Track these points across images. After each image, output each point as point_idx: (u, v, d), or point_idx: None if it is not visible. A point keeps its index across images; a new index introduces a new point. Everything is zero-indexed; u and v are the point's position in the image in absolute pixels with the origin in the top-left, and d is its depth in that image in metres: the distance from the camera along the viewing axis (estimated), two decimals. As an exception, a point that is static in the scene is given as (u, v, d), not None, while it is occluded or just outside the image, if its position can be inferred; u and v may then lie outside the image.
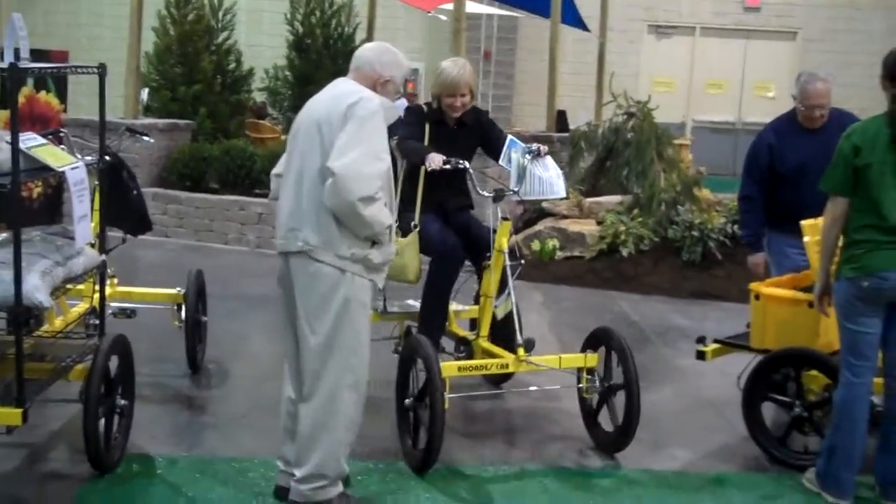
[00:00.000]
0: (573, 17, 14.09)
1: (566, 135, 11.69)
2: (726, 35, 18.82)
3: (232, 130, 12.36)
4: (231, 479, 4.44)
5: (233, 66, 12.95)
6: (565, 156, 10.96)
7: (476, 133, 5.55)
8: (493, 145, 5.55)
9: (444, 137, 5.40)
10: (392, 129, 4.21)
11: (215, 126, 12.08)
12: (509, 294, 5.10)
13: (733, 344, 5.37)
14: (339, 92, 4.03)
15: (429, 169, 5.10)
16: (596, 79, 14.34)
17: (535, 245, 9.47)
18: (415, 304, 5.71)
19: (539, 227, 9.76)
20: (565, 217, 9.88)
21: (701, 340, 5.50)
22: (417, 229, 5.30)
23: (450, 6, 10.60)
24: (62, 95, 11.24)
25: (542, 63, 14.12)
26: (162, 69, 12.35)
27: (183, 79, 12.19)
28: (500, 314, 5.18)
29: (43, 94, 10.92)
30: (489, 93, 18.02)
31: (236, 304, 7.59)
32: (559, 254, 9.40)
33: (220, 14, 12.82)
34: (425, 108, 5.58)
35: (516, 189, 5.27)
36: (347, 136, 3.84)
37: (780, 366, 4.94)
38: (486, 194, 5.17)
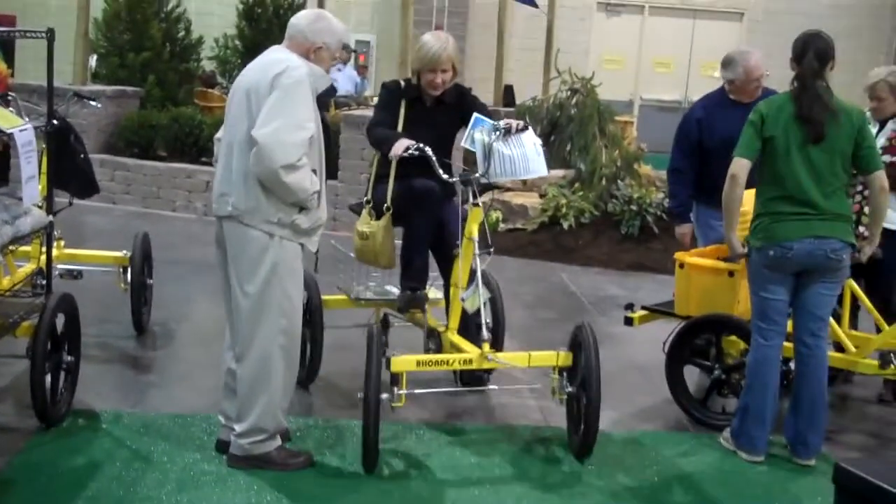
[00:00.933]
0: (522, -6, 14.27)
1: (512, 109, 11.90)
2: (674, 14, 19.08)
3: (181, 98, 12.40)
4: (173, 433, 4.61)
5: (182, 34, 12.99)
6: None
7: (456, 111, 5.14)
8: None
9: (421, 117, 5.12)
10: (324, 96, 4.36)
11: (164, 94, 12.12)
12: (478, 286, 4.74)
13: (659, 310, 5.63)
14: (268, 60, 4.17)
15: (390, 158, 4.89)
16: (544, 55, 14.55)
17: (479, 216, 9.68)
18: (393, 290, 5.49)
19: (483, 199, 9.94)
20: (509, 190, 10.10)
21: (629, 307, 5.75)
22: (390, 212, 5.04)
23: (398, -20, 10.74)
24: (9, 60, 11.22)
25: (494, 38, 14.29)
26: (110, 36, 12.36)
27: (131, 46, 12.21)
28: (469, 307, 4.84)
29: (-6, 61, 10.88)
30: (440, 66, 18.15)
31: (182, 270, 7.72)
32: (502, 226, 9.63)
33: (171, -19, 12.83)
34: (402, 83, 5.26)
35: (482, 172, 4.81)
36: (271, 106, 3.99)
37: (701, 331, 5.20)
38: (451, 179, 4.87)
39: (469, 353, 4.71)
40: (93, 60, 11.70)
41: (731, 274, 5.13)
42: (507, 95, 13.57)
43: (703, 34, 18.95)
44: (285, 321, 4.19)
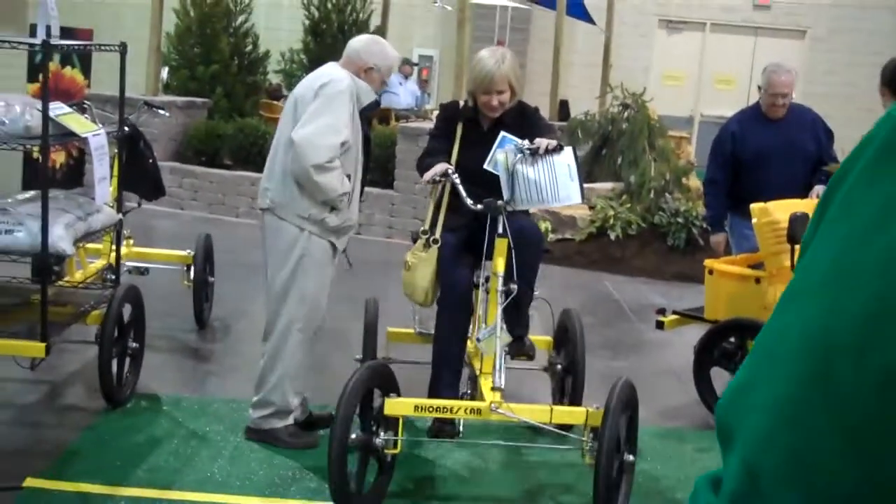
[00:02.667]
0: (579, 10, 14.56)
1: (564, 123, 12.18)
2: (736, 31, 19.19)
3: (247, 110, 12.89)
4: (227, 416, 4.99)
5: (250, 48, 13.48)
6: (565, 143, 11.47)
7: (517, 133, 4.58)
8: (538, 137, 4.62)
9: (477, 141, 4.69)
10: (367, 110, 4.64)
11: (231, 105, 12.61)
12: (496, 327, 4.31)
13: (689, 315, 5.88)
14: (318, 73, 4.61)
15: (423, 184, 4.81)
16: (602, 71, 14.81)
17: (529, 226, 9.98)
18: None
19: (533, 209, 10.26)
20: (558, 201, 10.38)
21: (661, 312, 6.01)
22: (437, 245, 4.63)
23: (457, -3, 11.09)
24: (86, 71, 11.80)
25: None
26: (181, 49, 12.89)
27: (201, 59, 12.73)
28: (485, 350, 4.36)
29: (68, 69, 11.47)
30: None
31: (242, 271, 8.12)
32: (551, 236, 9.90)
33: (239, -2, 13.35)
34: (461, 104, 4.95)
35: (506, 199, 4.36)
36: (311, 111, 4.40)
37: (728, 335, 5.44)
38: (476, 207, 4.41)
39: (479, 403, 4.20)
40: (164, 72, 12.24)
41: (757, 281, 5.37)
42: (563, 110, 13.85)
43: (764, 51, 18.99)
44: (305, 308, 4.58)
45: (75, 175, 10.98)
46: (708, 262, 5.70)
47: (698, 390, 5.53)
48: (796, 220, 5.40)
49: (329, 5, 13.75)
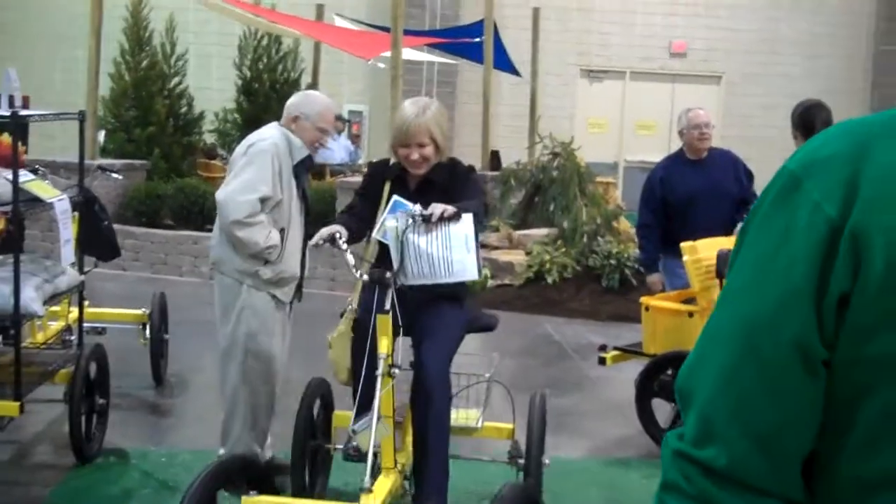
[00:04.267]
0: (504, 63, 15.02)
1: (497, 174, 12.57)
2: (654, 79, 19.85)
3: (184, 170, 13.07)
4: (195, 466, 5.11)
5: (185, 109, 13.68)
6: (497, 193, 11.84)
7: (447, 195, 4.18)
8: (453, 201, 4.14)
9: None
10: (301, 165, 4.78)
11: (169, 166, 12.79)
12: (372, 418, 3.84)
13: (629, 350, 6.21)
14: (251, 135, 4.88)
15: (310, 248, 4.53)
16: (529, 121, 15.28)
17: (469, 274, 10.29)
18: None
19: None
20: (496, 248, 10.73)
21: (602, 348, 6.34)
22: (351, 317, 4.32)
23: (388, 54, 11.45)
24: (24, 138, 11.87)
25: (481, 106, 15.03)
26: (117, 112, 13.05)
27: (137, 121, 12.89)
28: (362, 444, 3.97)
29: (5, 136, 11.54)
30: (430, 134, 18.86)
31: (193, 328, 8.28)
32: (490, 282, 10.23)
33: (173, 60, 13.55)
34: (390, 161, 4.49)
35: (394, 270, 3.95)
36: (235, 170, 4.69)
37: (666, 367, 5.78)
38: (359, 276, 4.12)
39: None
40: (101, 136, 12.39)
41: (690, 315, 5.73)
42: (494, 160, 14.27)
43: (683, 97, 19.62)
44: (251, 360, 4.76)
45: (10, 242, 11.01)
46: (644, 300, 6.04)
47: (641, 421, 5.84)
48: (723, 257, 5.79)
49: (260, 65, 14.03)
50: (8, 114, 4.68)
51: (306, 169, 4.86)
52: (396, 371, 4.00)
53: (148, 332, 6.65)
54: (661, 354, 5.77)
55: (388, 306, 3.95)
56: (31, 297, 4.67)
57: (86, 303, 6.78)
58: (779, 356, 1.12)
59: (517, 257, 10.46)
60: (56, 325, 6.14)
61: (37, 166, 6.97)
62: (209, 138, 14.63)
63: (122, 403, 6.19)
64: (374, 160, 4.89)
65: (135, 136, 12.77)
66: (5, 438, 5.20)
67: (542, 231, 10.88)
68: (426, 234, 4.00)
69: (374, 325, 3.96)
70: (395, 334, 4.08)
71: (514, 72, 15.58)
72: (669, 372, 5.77)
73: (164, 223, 11.75)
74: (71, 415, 4.94)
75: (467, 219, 4.04)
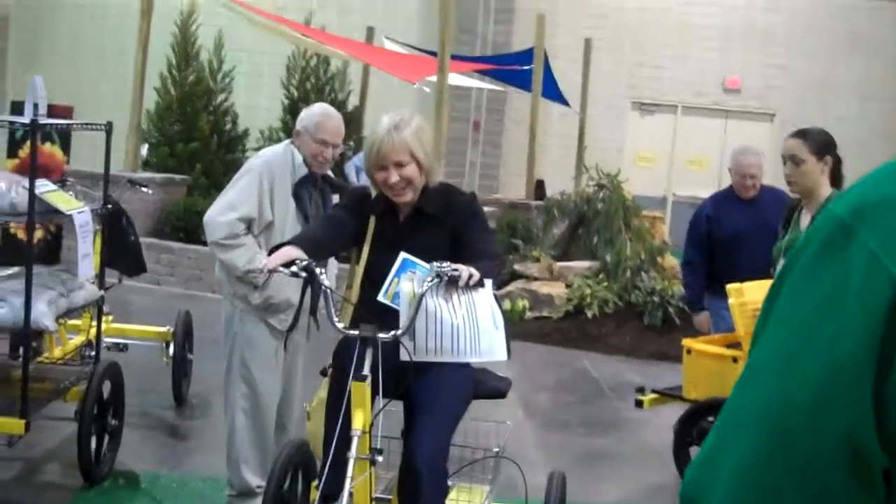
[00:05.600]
0: (554, 92, 14.82)
1: (541, 203, 12.33)
2: (706, 114, 19.55)
3: (226, 186, 12.94)
4: (205, 494, 4.96)
5: (229, 126, 13.61)
6: (540, 223, 11.60)
7: (443, 228, 3.56)
8: (463, 248, 3.50)
9: (392, 239, 3.56)
10: (300, 186, 4.40)
11: (210, 182, 12.69)
12: None
13: (668, 394, 5.91)
14: (258, 153, 4.71)
15: (258, 278, 3.90)
16: (576, 151, 15.04)
17: (507, 304, 10.03)
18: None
19: (511, 287, 10.33)
20: (536, 279, 10.46)
21: (640, 390, 6.04)
22: (327, 378, 3.64)
23: (434, 78, 11.29)
24: (66, 148, 11.86)
25: (528, 135, 14.83)
26: (161, 126, 13.00)
27: (181, 136, 12.84)
28: None
29: (47, 145, 11.52)
30: (477, 161, 18.71)
31: (220, 347, 8.11)
32: (529, 314, 9.96)
33: (219, 77, 13.50)
34: (373, 194, 3.66)
35: (397, 333, 3.23)
36: (223, 191, 4.51)
37: (707, 414, 5.48)
38: (350, 332, 3.31)
39: None
40: (144, 149, 12.32)
41: (735, 360, 5.42)
42: (539, 190, 14.03)
43: (734, 133, 19.34)
44: (247, 388, 4.54)
45: (52, 251, 10.96)
46: (686, 342, 5.75)
47: (678, 469, 5.54)
48: (772, 300, 5.50)
49: (308, 85, 13.94)
50: (27, 121, 4.50)
51: (311, 188, 4.45)
52: (378, 458, 3.27)
53: (172, 350, 6.46)
54: (702, 400, 5.47)
55: (366, 370, 3.22)
56: (43, 312, 4.49)
57: (109, 318, 6.65)
58: (820, 457, 0.84)
59: (557, 289, 10.19)
60: (76, 341, 5.98)
61: (66, 177, 6.86)
62: (248, 158, 14.51)
63: (140, 423, 6.00)
64: (355, 188, 4.27)
65: (177, 150, 12.70)
66: (13, 455, 5.02)
67: (585, 264, 10.60)
68: (447, 302, 3.27)
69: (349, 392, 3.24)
70: (385, 396, 3.30)
71: (563, 101, 15.36)
72: (710, 419, 5.47)
73: (202, 239, 11.61)
74: (80, 435, 4.75)
75: (488, 286, 3.32)
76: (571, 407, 7.44)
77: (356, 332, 3.27)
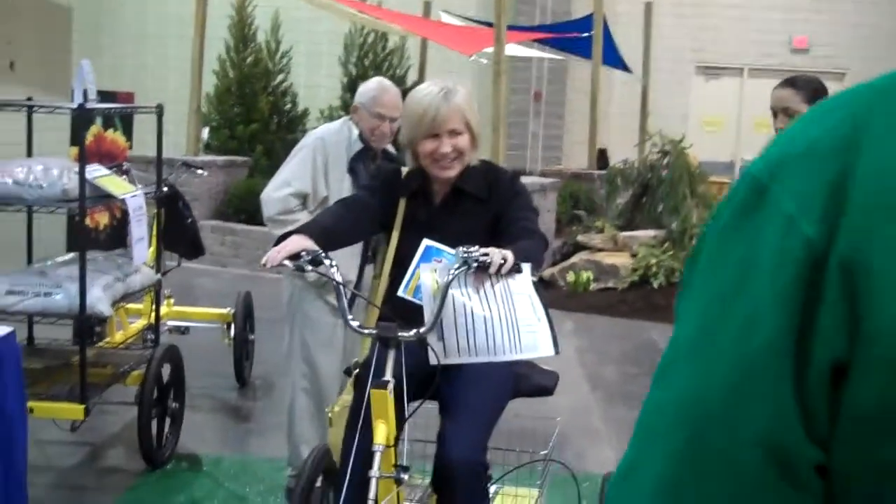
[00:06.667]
0: (614, 59, 14.58)
1: (605, 172, 12.15)
2: (774, 75, 19.03)
3: (287, 167, 12.98)
4: (267, 476, 4.94)
5: (288, 106, 13.62)
6: (603, 192, 11.43)
7: (485, 211, 3.23)
8: (501, 231, 3.18)
9: (427, 223, 3.24)
10: (358, 160, 4.34)
11: (271, 163, 12.69)
12: None
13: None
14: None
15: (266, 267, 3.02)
16: (639, 119, 14.79)
17: (570, 276, 9.91)
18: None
19: (575, 259, 10.20)
20: (601, 250, 10.31)
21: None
22: (352, 379, 3.27)
23: (490, 50, 11.14)
24: (128, 134, 11.96)
25: (589, 103, 14.62)
26: (221, 109, 13.05)
27: (241, 118, 12.87)
28: None
29: (110, 132, 11.63)
30: (539, 132, 18.52)
31: (284, 328, 8.12)
32: (593, 285, 9.82)
33: (277, 57, 13.50)
34: (403, 172, 3.37)
35: (419, 331, 2.88)
36: (280, 169, 4.48)
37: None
38: (365, 331, 3.04)
39: None
40: (205, 133, 12.39)
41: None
42: (602, 159, 13.84)
43: (804, 95, 18.90)
44: (305, 367, 4.53)
45: (119, 236, 11.08)
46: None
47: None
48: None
49: (366, 62, 13.88)
50: (75, 106, 4.49)
51: (368, 163, 4.40)
52: (404, 476, 2.92)
53: (233, 331, 6.47)
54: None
55: (388, 376, 2.88)
56: (98, 297, 4.50)
57: (171, 301, 6.68)
58: (740, 464, 0.71)
59: (622, 260, 10.03)
60: (137, 325, 6.00)
61: (124, 163, 6.89)
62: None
63: (202, 405, 6.02)
64: (383, 167, 4.00)
65: (238, 132, 12.74)
66: (77, 440, 5.07)
67: (650, 233, 10.42)
68: (478, 293, 2.88)
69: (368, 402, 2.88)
70: (414, 400, 2.98)
71: (625, 68, 15.10)
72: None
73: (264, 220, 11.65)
74: (140, 419, 4.76)
75: (526, 271, 2.92)
76: (638, 379, 7.30)
77: (373, 331, 2.96)
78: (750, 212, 0.73)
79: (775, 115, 4.16)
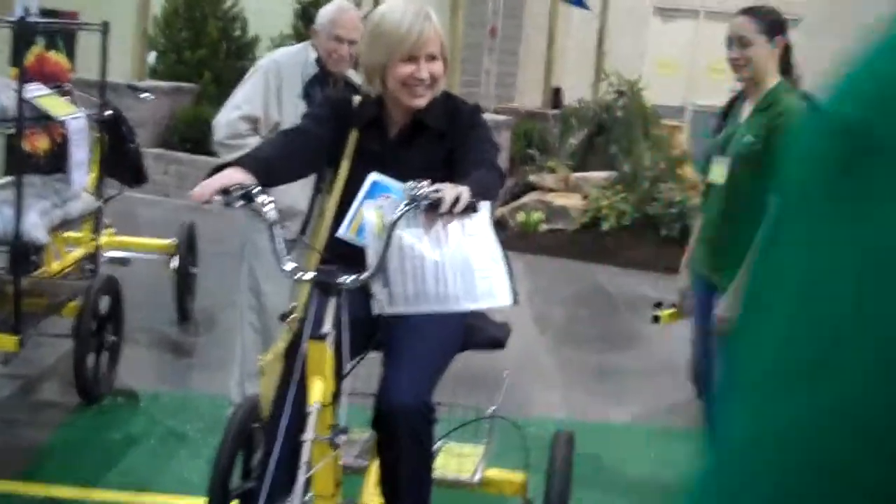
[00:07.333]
0: (573, -4, 14.40)
1: (559, 111, 12.03)
2: (730, 20, 18.99)
3: (236, 95, 12.68)
4: (207, 413, 4.81)
5: (238, 32, 13.26)
6: (557, 132, 11.30)
7: (444, 145, 2.99)
8: (456, 164, 2.92)
9: (376, 155, 2.99)
10: (312, 86, 4.20)
11: (219, 91, 12.37)
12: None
13: (686, 309, 5.71)
14: None
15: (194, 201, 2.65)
16: (595, 58, 14.64)
17: (521, 216, 9.81)
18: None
19: (525, 199, 10.10)
20: (552, 191, 10.22)
21: (658, 305, 5.83)
22: (289, 328, 2.88)
23: (449, -19, 10.89)
24: (71, 55, 11.56)
25: (546, 40, 14.43)
26: (169, 33, 12.67)
27: (189, 44, 12.51)
28: None
29: (53, 53, 11.24)
30: (493, 69, 18.29)
31: (231, 261, 7.92)
32: (543, 226, 9.74)
33: (228, -20, 13.12)
34: (355, 100, 3.10)
35: (361, 277, 2.60)
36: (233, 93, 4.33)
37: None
38: (302, 277, 2.70)
39: None
40: (151, 57, 12.03)
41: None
42: (556, 97, 13.70)
43: (759, 40, 18.83)
44: (253, 299, 4.43)
45: (59, 162, 10.75)
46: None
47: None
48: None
49: (320, -11, 13.55)
50: (15, 20, 4.25)
51: (324, 88, 4.22)
52: (342, 437, 2.67)
53: (174, 263, 6.28)
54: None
55: (327, 327, 2.61)
56: (34, 223, 4.31)
57: (111, 230, 6.46)
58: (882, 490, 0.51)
59: (573, 201, 9.95)
60: (75, 254, 5.80)
61: (66, 84, 6.61)
62: (261, 61, 14.20)
63: (142, 339, 5.85)
64: (330, 95, 3.64)
65: (185, 58, 12.39)
66: (10, 373, 4.89)
67: (602, 174, 10.34)
68: (428, 234, 2.61)
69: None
70: (356, 353, 2.74)
71: (583, 5, 14.89)
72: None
73: (210, 150, 11.38)
74: (76, 352, 4.59)
75: (485, 209, 2.63)
76: (586, 320, 7.27)
77: (310, 275, 2.67)
78: (854, 172, 0.53)
79: (730, 44, 3.87)
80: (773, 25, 3.80)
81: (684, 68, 19.19)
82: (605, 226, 9.48)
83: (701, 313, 4.00)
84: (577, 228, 9.63)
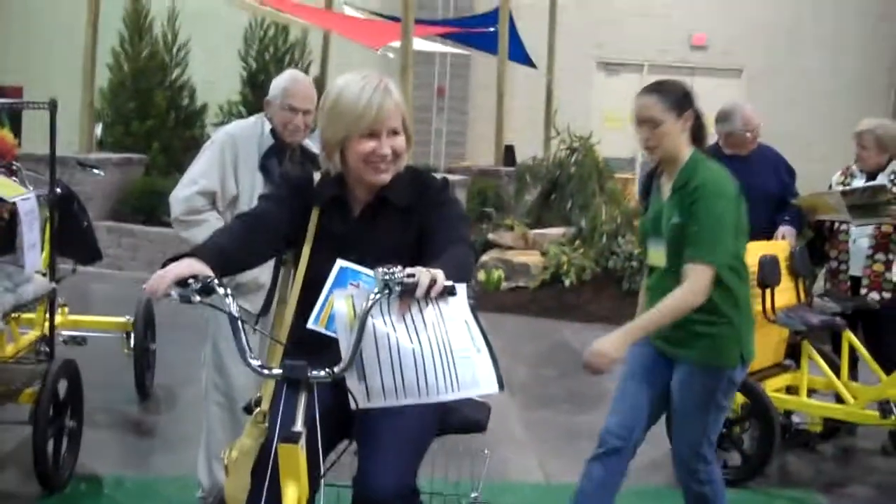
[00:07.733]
0: (520, 54, 14.51)
1: (513, 169, 12.04)
2: (673, 72, 19.23)
3: (185, 165, 12.53)
4: (174, 496, 4.65)
5: (186, 101, 13.19)
6: (512, 190, 11.30)
7: (412, 224, 2.81)
8: (427, 244, 2.75)
9: (339, 236, 2.81)
10: (270, 156, 4.15)
11: (168, 160, 12.28)
12: None
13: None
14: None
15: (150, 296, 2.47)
16: (545, 114, 14.73)
17: (482, 275, 9.75)
18: None
19: (485, 257, 10.05)
20: (511, 248, 10.18)
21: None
22: (260, 429, 2.65)
23: (398, 44, 10.92)
24: (16, 130, 11.38)
25: (495, 99, 14.48)
26: (116, 104, 12.56)
27: (136, 114, 12.40)
28: None
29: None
30: (443, 128, 18.36)
31: (187, 334, 7.73)
32: (504, 284, 9.68)
33: (175, 50, 13.06)
34: (316, 179, 2.91)
35: (333, 371, 2.41)
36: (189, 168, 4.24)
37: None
38: (270, 373, 2.50)
39: None
40: (99, 129, 11.91)
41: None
42: (508, 155, 13.73)
43: (702, 91, 18.91)
44: (218, 377, 4.30)
45: (7, 242, 10.53)
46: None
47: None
48: (766, 264, 5.24)
49: (267, 56, 13.54)
50: (-41, 102, 4.13)
51: (283, 160, 4.17)
52: None
53: (132, 341, 6.12)
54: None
55: (298, 426, 2.41)
56: (-14, 310, 4.15)
57: (65, 310, 6.29)
58: None
59: (533, 258, 9.92)
60: (29, 336, 5.61)
61: (13, 162, 6.46)
62: (212, 132, 14.11)
63: (102, 421, 5.67)
64: (293, 175, 3.35)
65: (133, 129, 12.27)
66: (-35, 464, 4.68)
67: (559, 230, 10.33)
68: (403, 322, 2.39)
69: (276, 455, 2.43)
70: (330, 445, 2.63)
71: (530, 63, 15.03)
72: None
73: (163, 220, 11.22)
74: (35, 439, 4.41)
75: (461, 292, 2.44)
76: (554, 381, 7.19)
77: (278, 372, 2.46)
78: None
79: (639, 124, 3.65)
80: (680, 100, 3.64)
81: (632, 121, 19.38)
82: (567, 282, 9.45)
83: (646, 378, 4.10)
84: (538, 285, 9.59)
